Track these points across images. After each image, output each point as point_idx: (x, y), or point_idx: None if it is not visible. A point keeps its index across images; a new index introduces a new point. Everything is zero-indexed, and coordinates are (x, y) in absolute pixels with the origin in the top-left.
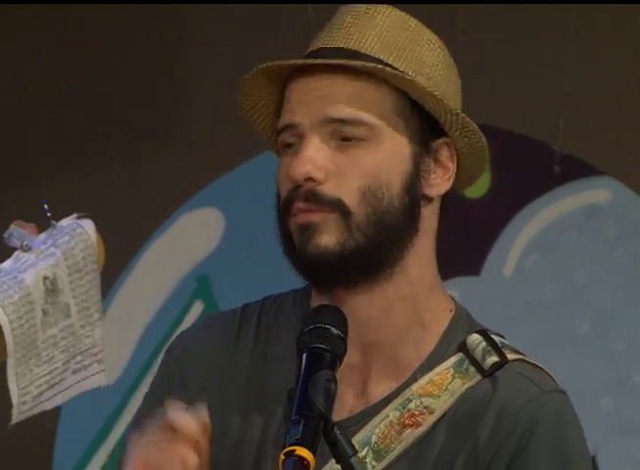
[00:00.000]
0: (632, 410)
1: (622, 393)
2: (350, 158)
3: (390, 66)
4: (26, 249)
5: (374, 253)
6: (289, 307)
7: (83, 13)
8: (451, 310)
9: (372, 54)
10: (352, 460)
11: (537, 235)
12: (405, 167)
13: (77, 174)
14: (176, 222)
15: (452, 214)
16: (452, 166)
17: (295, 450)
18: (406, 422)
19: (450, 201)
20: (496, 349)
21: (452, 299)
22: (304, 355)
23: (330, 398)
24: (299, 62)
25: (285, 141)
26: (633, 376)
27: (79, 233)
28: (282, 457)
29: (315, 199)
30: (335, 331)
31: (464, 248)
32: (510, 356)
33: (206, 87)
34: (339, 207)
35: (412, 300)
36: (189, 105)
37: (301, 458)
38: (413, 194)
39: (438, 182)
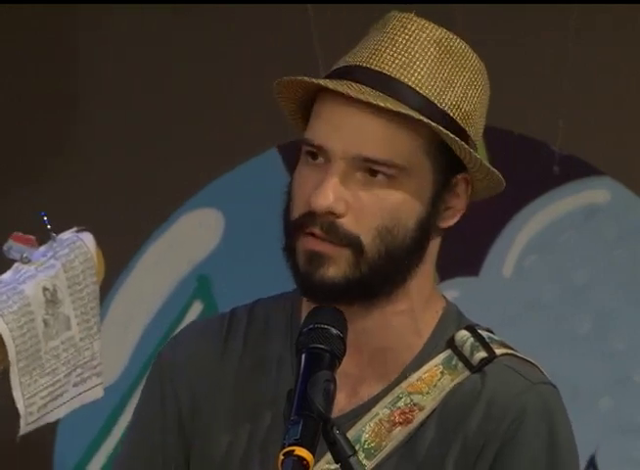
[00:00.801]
0: (632, 410)
1: (622, 393)
2: (373, 197)
3: (433, 102)
4: (26, 261)
5: (378, 283)
6: (279, 311)
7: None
8: (441, 309)
9: (417, 88)
10: (351, 460)
11: (536, 235)
12: (424, 207)
13: (77, 175)
14: (176, 223)
15: None
16: (466, 199)
17: (294, 450)
18: (396, 420)
19: None
20: (484, 344)
21: (443, 298)
22: (303, 356)
23: (329, 398)
24: (341, 90)
25: (310, 151)
26: (633, 376)
27: (79, 246)
28: (281, 457)
29: (333, 232)
30: (334, 331)
31: (463, 248)
32: (498, 351)
33: (206, 87)
34: (354, 243)
35: (409, 312)
36: (188, 106)
37: (301, 458)
38: (426, 230)
39: (452, 215)
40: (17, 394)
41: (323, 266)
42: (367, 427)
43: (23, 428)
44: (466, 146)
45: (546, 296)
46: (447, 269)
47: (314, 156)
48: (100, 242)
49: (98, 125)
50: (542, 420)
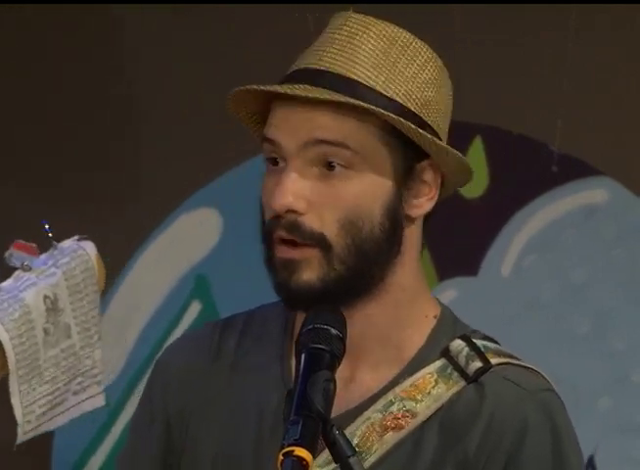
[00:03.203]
0: (631, 410)
1: (621, 392)
2: (332, 189)
3: (380, 92)
4: (27, 269)
5: (355, 280)
6: (277, 317)
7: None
8: (436, 316)
9: (361, 79)
10: (351, 460)
11: (535, 235)
12: (387, 195)
13: (77, 175)
14: (175, 223)
15: (450, 215)
16: (436, 186)
17: (293, 451)
18: (388, 425)
19: (448, 201)
20: (479, 354)
21: (439, 304)
22: (303, 356)
23: (329, 398)
24: (282, 90)
25: (269, 154)
26: (632, 376)
27: (80, 255)
28: (280, 457)
29: (296, 230)
30: (334, 331)
31: (462, 248)
32: (493, 361)
33: (206, 87)
34: (320, 241)
35: (394, 308)
36: (188, 106)
37: (300, 458)
38: (395, 218)
39: (422, 203)
40: (15, 402)
41: (296, 272)
42: (359, 431)
43: (21, 436)
44: (416, 128)
45: (545, 295)
46: (446, 269)
47: (274, 161)
48: (99, 241)
49: (97, 125)
50: (545, 429)
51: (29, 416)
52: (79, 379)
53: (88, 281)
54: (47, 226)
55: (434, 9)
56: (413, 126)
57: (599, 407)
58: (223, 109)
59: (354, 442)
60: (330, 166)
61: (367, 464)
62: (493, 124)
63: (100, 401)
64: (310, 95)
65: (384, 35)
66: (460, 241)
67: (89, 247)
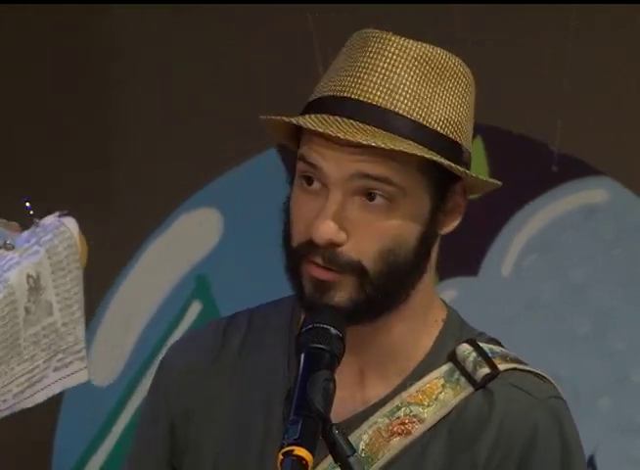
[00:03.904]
0: (631, 410)
1: (621, 392)
2: (373, 220)
3: (420, 124)
4: (9, 247)
5: (385, 301)
6: (279, 318)
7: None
8: (443, 320)
9: (404, 112)
10: (351, 460)
11: (535, 235)
12: (424, 223)
13: (76, 174)
14: (175, 223)
15: None
16: (465, 203)
17: (293, 450)
18: (395, 430)
19: None
20: (487, 359)
21: (446, 306)
22: (303, 355)
23: (329, 398)
24: (333, 132)
25: (304, 173)
26: (632, 375)
27: (62, 231)
28: (280, 457)
29: (335, 261)
30: (333, 331)
31: (462, 248)
32: (501, 367)
33: (206, 87)
34: (356, 269)
35: (411, 321)
36: (188, 106)
37: (300, 458)
38: (429, 243)
39: (451, 221)
40: None
41: (329, 293)
42: (365, 435)
43: None
44: (456, 167)
45: (545, 295)
46: (446, 269)
47: (309, 180)
48: (99, 241)
49: (98, 126)
50: (554, 435)
51: (6, 395)
52: (60, 355)
53: (71, 258)
54: (28, 204)
55: (434, 9)
56: (454, 166)
57: (599, 407)
58: (223, 109)
59: (360, 446)
60: (371, 197)
61: (374, 469)
62: (493, 124)
63: (84, 377)
64: (364, 142)
65: (422, 58)
66: (460, 241)
67: (71, 223)
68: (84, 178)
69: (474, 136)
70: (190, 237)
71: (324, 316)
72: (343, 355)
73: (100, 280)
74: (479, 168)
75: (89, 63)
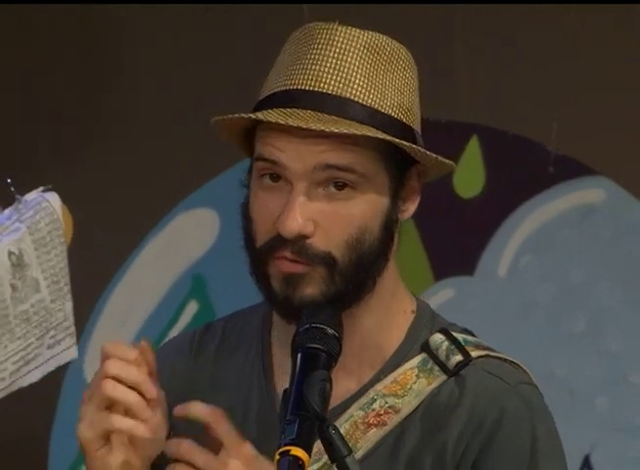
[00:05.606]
0: (627, 410)
1: (617, 392)
2: (339, 209)
3: (376, 110)
4: None
5: (353, 292)
6: (249, 320)
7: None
8: (413, 311)
9: (359, 99)
10: (348, 460)
11: (532, 235)
12: (386, 209)
13: (75, 174)
14: (172, 222)
15: (446, 214)
16: (420, 188)
17: (289, 450)
18: (371, 421)
19: (444, 201)
20: (459, 347)
21: (416, 299)
22: (299, 355)
23: (325, 398)
24: (294, 123)
25: (265, 171)
26: (628, 375)
27: (45, 207)
28: (277, 457)
29: (304, 253)
30: (330, 331)
31: (458, 248)
32: (474, 354)
33: (206, 87)
34: (326, 260)
35: (378, 310)
36: (187, 106)
37: (296, 458)
38: (390, 229)
39: (409, 206)
40: None
41: (300, 286)
42: (342, 428)
43: None
44: (417, 147)
45: (541, 295)
46: (442, 269)
47: (273, 177)
48: (97, 240)
49: (96, 124)
50: (523, 420)
51: (3, 374)
52: (52, 332)
53: (54, 234)
54: (9, 180)
55: (434, 9)
56: (415, 147)
57: (595, 407)
58: (221, 109)
59: None
60: (338, 186)
61: None
62: (489, 124)
63: (73, 354)
64: (327, 129)
65: (370, 46)
66: (456, 241)
67: (53, 198)
68: (82, 178)
69: (470, 136)
70: (187, 237)
71: (321, 316)
72: (340, 355)
73: (97, 280)
74: (475, 168)
75: (89, 62)
